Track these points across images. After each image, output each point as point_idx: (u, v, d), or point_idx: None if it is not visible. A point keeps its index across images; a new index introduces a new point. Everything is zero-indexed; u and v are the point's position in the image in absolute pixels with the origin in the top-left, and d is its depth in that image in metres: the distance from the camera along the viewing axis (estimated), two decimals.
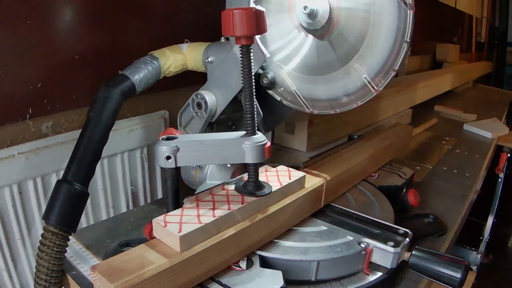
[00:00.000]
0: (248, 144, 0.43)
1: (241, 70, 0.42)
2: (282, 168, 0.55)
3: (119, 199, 0.86)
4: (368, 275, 0.48)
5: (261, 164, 0.54)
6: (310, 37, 0.52)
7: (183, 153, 0.43)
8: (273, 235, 0.49)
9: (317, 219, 0.55)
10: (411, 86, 1.34)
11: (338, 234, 0.51)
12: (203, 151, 0.44)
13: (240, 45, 0.41)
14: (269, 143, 0.44)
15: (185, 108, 0.64)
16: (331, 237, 0.50)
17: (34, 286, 0.48)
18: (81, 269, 0.51)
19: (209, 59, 0.61)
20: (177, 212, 0.43)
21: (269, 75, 0.56)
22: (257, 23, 0.39)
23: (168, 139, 0.44)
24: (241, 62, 0.42)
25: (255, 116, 0.44)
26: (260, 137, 0.44)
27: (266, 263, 0.47)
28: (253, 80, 0.43)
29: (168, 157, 0.42)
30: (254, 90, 0.43)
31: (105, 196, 0.82)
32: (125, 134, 0.82)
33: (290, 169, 0.55)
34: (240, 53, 0.41)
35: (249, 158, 0.44)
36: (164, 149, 0.42)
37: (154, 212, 0.68)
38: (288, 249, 0.48)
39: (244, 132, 0.45)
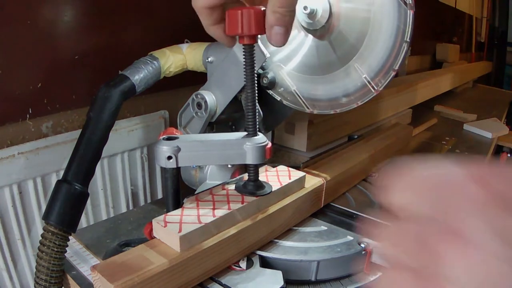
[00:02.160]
0: (249, 145, 0.43)
1: (244, 70, 0.42)
2: (282, 168, 0.55)
3: (119, 199, 0.86)
4: (368, 275, 0.48)
5: (261, 164, 0.54)
6: (310, 37, 0.52)
7: (185, 153, 0.43)
8: (273, 235, 0.49)
9: (317, 219, 0.55)
10: (411, 86, 1.34)
11: (338, 234, 0.51)
12: (204, 151, 0.44)
13: (243, 44, 0.41)
14: (270, 144, 0.44)
15: (185, 108, 0.64)
16: (331, 237, 0.50)
17: (34, 286, 0.48)
18: (81, 269, 0.51)
19: (209, 59, 0.61)
20: (177, 212, 0.43)
21: (269, 75, 0.56)
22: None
23: (169, 139, 0.44)
24: (244, 61, 0.41)
25: (257, 117, 0.44)
26: (261, 138, 0.44)
27: (266, 263, 0.47)
28: (256, 80, 0.43)
29: (169, 157, 0.42)
30: (256, 90, 0.43)
31: (105, 196, 0.82)
32: (125, 134, 0.82)
33: (290, 169, 0.55)
34: (243, 53, 0.41)
35: (250, 159, 0.44)
36: (165, 149, 0.42)
37: (154, 212, 0.68)
38: (288, 249, 0.48)
39: (245, 133, 0.45)
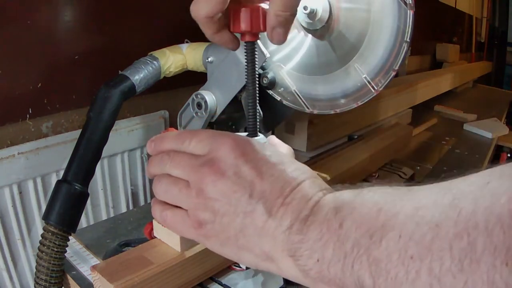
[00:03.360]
0: None
1: (245, 68, 0.41)
2: None
3: (119, 199, 0.86)
4: None
5: None
6: (310, 37, 0.52)
7: None
8: None
9: None
10: (411, 86, 1.34)
11: None
12: None
13: (245, 42, 0.40)
14: None
15: (185, 108, 0.64)
16: None
17: (34, 286, 0.48)
18: (81, 269, 0.51)
19: (209, 59, 0.61)
20: None
21: (269, 75, 0.56)
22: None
23: None
24: (245, 59, 0.41)
25: (258, 116, 0.44)
26: (261, 138, 0.44)
27: None
28: (257, 79, 0.42)
29: None
30: (257, 88, 0.43)
31: (105, 196, 0.82)
32: (125, 134, 0.82)
33: None
34: (245, 50, 0.41)
35: None
36: None
37: None
38: None
39: (246, 133, 0.44)
